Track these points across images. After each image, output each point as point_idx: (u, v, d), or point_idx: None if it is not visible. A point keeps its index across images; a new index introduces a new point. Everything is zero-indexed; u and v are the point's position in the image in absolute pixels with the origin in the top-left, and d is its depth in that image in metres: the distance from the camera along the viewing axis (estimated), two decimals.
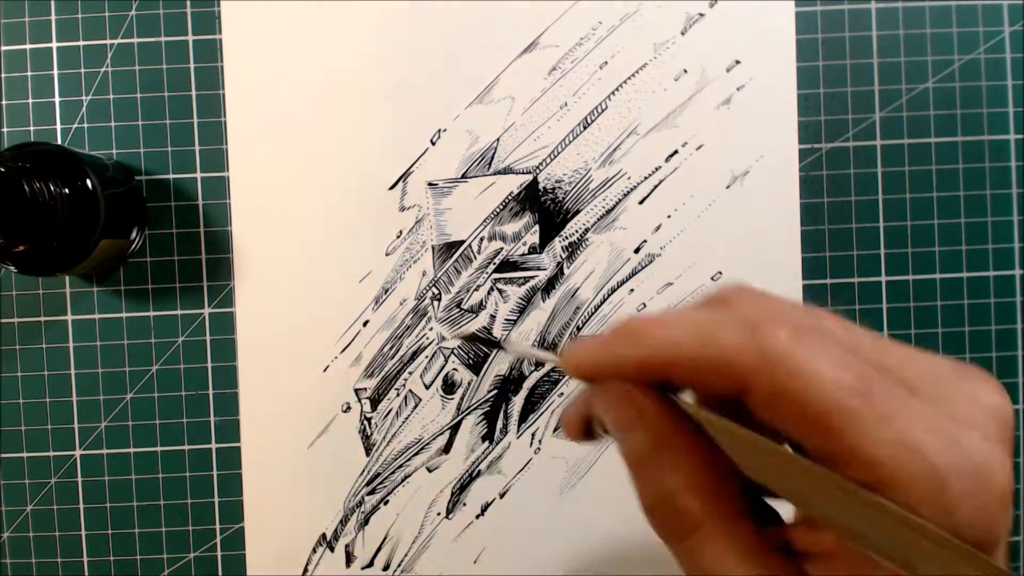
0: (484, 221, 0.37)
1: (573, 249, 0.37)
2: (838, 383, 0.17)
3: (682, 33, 0.37)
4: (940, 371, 0.19)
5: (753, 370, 0.17)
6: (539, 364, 0.37)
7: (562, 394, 0.37)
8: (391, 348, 0.37)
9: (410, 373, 0.37)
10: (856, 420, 0.17)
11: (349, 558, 0.37)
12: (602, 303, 0.37)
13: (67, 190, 0.32)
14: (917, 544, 0.16)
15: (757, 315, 0.18)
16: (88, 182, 0.32)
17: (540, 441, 0.37)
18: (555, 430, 0.37)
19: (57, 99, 0.37)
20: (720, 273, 0.37)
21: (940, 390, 0.18)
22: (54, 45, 0.37)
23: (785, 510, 0.20)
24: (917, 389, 0.18)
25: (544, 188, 0.37)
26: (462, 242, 0.37)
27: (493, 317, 0.37)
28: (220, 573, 0.37)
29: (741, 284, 0.21)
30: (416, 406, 0.37)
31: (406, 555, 0.37)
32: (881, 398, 0.17)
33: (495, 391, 0.37)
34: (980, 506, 0.17)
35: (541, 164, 0.37)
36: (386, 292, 0.37)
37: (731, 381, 0.18)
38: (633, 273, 0.37)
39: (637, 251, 0.37)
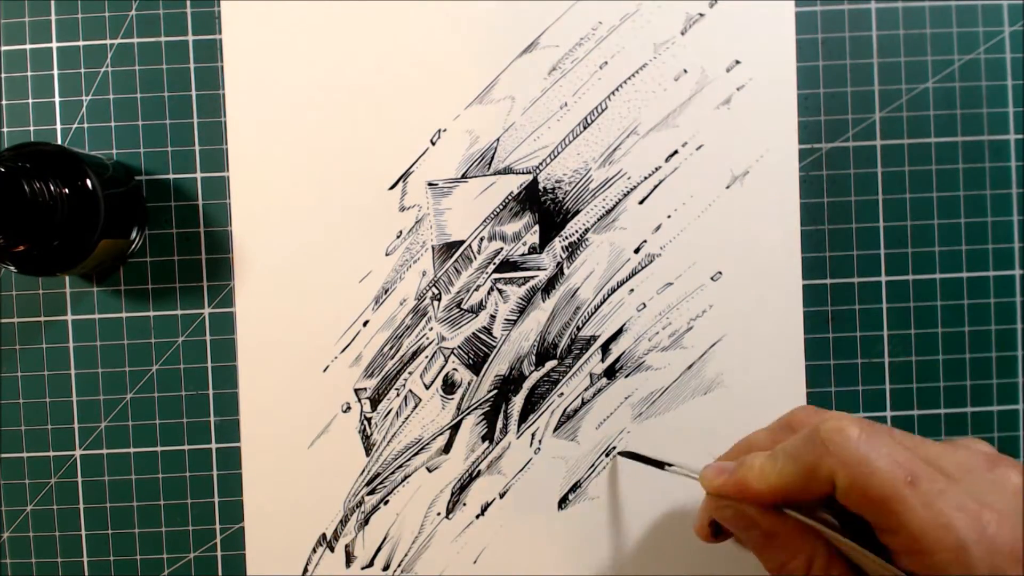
0: (484, 221, 0.37)
1: (573, 249, 0.37)
2: (895, 475, 0.24)
3: (682, 33, 0.37)
4: (973, 463, 0.25)
5: (832, 473, 0.25)
6: (541, 364, 0.37)
7: (561, 394, 0.37)
8: (391, 348, 0.37)
9: (410, 373, 0.37)
10: (906, 503, 0.24)
11: (349, 558, 0.37)
12: (602, 303, 0.37)
13: (67, 190, 0.32)
14: None
15: (824, 425, 0.26)
16: (88, 182, 0.32)
17: (540, 441, 0.37)
18: (556, 430, 0.37)
19: (57, 99, 0.37)
20: (720, 273, 0.37)
21: (972, 477, 0.25)
22: (54, 45, 0.37)
23: None
24: (953, 477, 0.24)
25: (544, 188, 0.37)
26: (462, 242, 0.37)
27: (493, 317, 0.37)
28: (220, 573, 0.37)
29: (802, 407, 0.31)
30: (416, 406, 0.37)
31: (406, 555, 0.37)
32: (925, 485, 0.24)
33: (495, 391, 0.37)
34: (992, 564, 0.23)
35: (541, 164, 0.37)
36: (386, 292, 0.37)
37: (821, 487, 0.25)
38: (633, 273, 0.37)
39: (637, 251, 0.37)
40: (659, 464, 0.35)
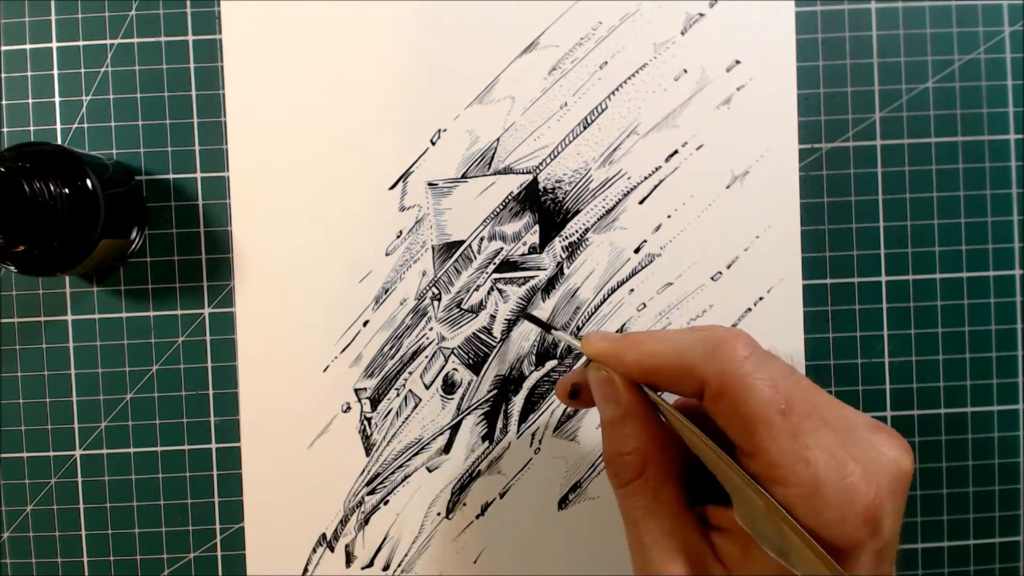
0: (484, 221, 0.37)
1: (573, 249, 0.37)
2: (768, 400, 0.23)
3: (682, 33, 0.37)
4: (856, 421, 0.25)
5: (707, 380, 0.24)
6: (541, 364, 0.37)
7: None
8: (391, 348, 0.37)
9: (410, 373, 0.37)
10: (773, 428, 0.23)
11: (349, 558, 0.37)
12: (602, 303, 0.37)
13: (67, 190, 0.32)
14: (788, 537, 0.22)
15: (721, 334, 0.25)
16: (88, 182, 0.32)
17: (540, 441, 0.37)
18: (555, 430, 0.37)
19: (57, 99, 0.37)
20: (720, 273, 0.37)
21: (850, 432, 0.24)
22: (54, 45, 0.37)
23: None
24: (830, 424, 0.24)
25: (544, 188, 0.37)
26: (462, 242, 0.37)
27: (493, 317, 0.37)
28: (220, 573, 0.37)
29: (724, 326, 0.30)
30: (416, 406, 0.37)
31: (406, 555, 0.37)
32: (797, 419, 0.23)
33: (495, 391, 0.37)
34: (842, 517, 0.22)
35: (541, 164, 0.37)
36: (386, 292, 0.37)
37: (693, 386, 0.25)
38: (633, 273, 0.37)
39: (637, 251, 0.37)
40: (547, 327, 0.36)
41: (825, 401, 0.25)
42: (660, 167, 0.37)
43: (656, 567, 0.25)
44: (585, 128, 0.37)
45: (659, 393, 0.27)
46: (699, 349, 0.25)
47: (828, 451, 0.23)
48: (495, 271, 0.37)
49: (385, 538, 0.37)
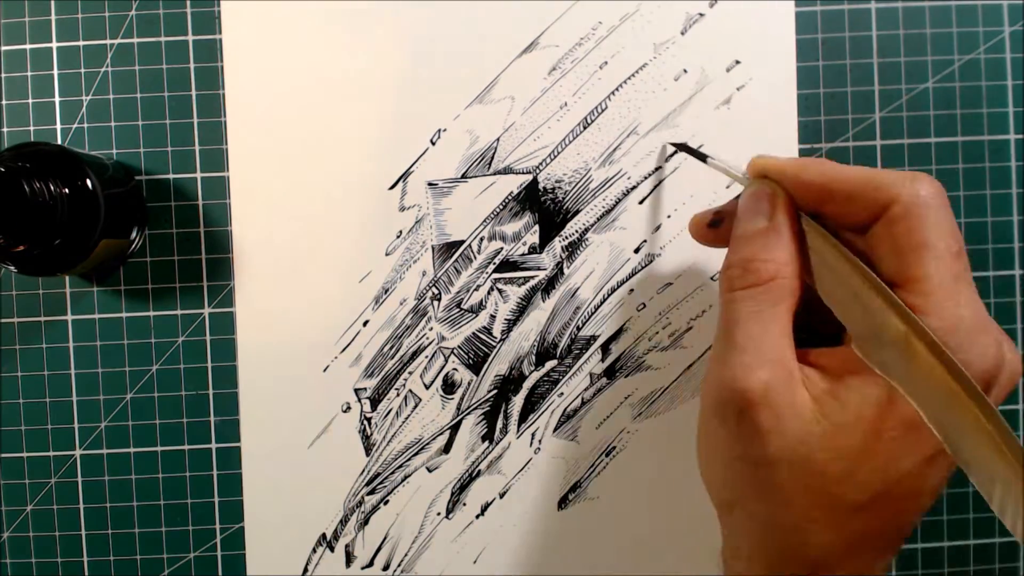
0: (484, 221, 0.37)
1: (573, 249, 0.37)
2: (949, 234, 0.24)
3: (682, 33, 0.37)
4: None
5: (896, 200, 0.24)
6: (540, 364, 0.37)
7: (561, 394, 0.37)
8: (391, 348, 0.37)
9: (410, 373, 0.37)
10: (940, 264, 0.24)
11: (349, 558, 0.37)
12: (602, 303, 0.37)
13: (67, 190, 0.32)
14: (916, 365, 0.23)
15: (919, 174, 0.25)
16: (88, 182, 0.32)
17: (540, 441, 0.37)
18: (555, 430, 0.37)
19: (57, 99, 0.37)
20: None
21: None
22: (54, 45, 0.37)
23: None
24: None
25: (544, 188, 0.37)
26: (462, 242, 0.37)
27: (493, 317, 0.37)
28: (220, 573, 0.37)
29: None
30: (416, 406, 0.37)
31: (406, 555, 0.37)
32: (962, 266, 0.24)
33: (495, 391, 0.37)
34: (968, 360, 0.23)
35: (541, 164, 0.37)
36: (386, 292, 0.37)
37: (873, 208, 0.25)
38: (633, 273, 0.37)
39: (637, 251, 0.37)
40: (702, 156, 0.34)
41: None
42: (660, 167, 0.37)
43: (742, 370, 0.25)
44: (585, 128, 0.37)
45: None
46: (893, 175, 0.25)
47: (976, 304, 0.24)
48: (495, 271, 0.37)
49: (385, 538, 0.37)
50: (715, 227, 0.30)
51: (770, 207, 0.27)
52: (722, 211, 0.30)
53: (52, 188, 0.31)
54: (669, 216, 0.37)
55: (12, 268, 0.32)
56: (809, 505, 0.24)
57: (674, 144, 0.37)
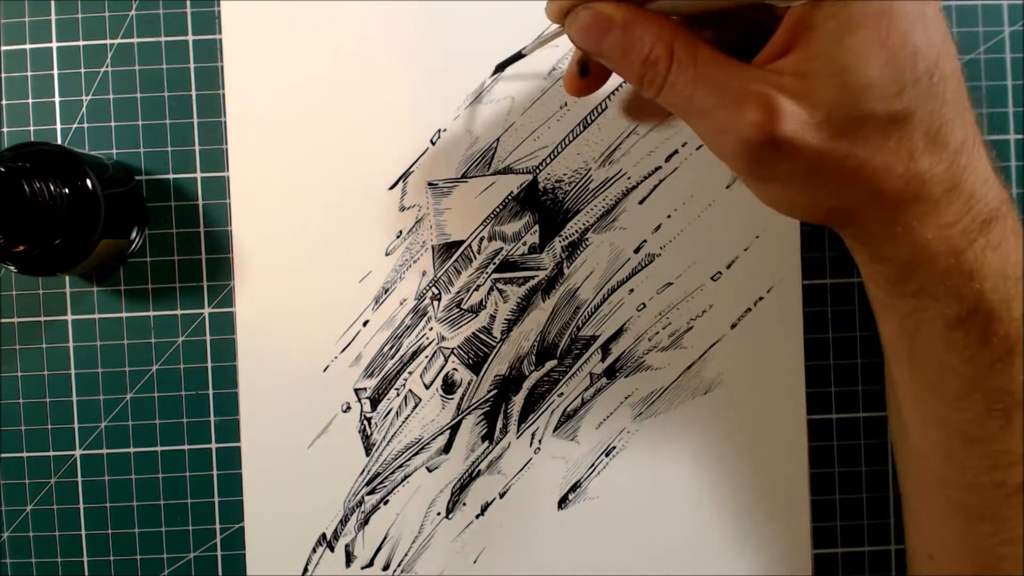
0: (484, 221, 0.37)
1: (573, 249, 0.37)
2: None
3: None
4: None
5: None
6: (540, 364, 0.37)
7: (561, 394, 0.37)
8: (391, 348, 0.37)
9: (410, 373, 0.37)
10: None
11: (349, 558, 0.37)
12: (602, 303, 0.37)
13: (67, 190, 0.32)
14: None
15: None
16: (88, 182, 0.32)
17: (540, 441, 0.37)
18: (555, 430, 0.37)
19: (57, 99, 0.37)
20: (720, 273, 0.37)
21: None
22: (54, 45, 0.37)
23: None
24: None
25: (544, 188, 0.37)
26: (462, 242, 0.37)
27: (493, 317, 0.37)
28: (220, 573, 0.37)
29: None
30: (416, 406, 0.37)
31: (406, 555, 0.37)
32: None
33: (495, 391, 0.37)
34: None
35: (541, 164, 0.37)
36: (386, 292, 0.37)
37: None
38: (633, 273, 0.37)
39: (637, 251, 0.37)
40: (518, 55, 0.35)
41: None
42: (660, 167, 0.37)
43: (728, 121, 0.25)
44: (585, 128, 0.37)
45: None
46: None
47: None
48: (495, 271, 0.37)
49: (385, 538, 0.37)
50: (586, 74, 0.30)
51: (606, 19, 0.26)
52: (580, 59, 0.30)
53: (52, 188, 0.31)
54: (669, 216, 0.37)
55: (12, 268, 0.32)
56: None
57: (495, 69, 0.37)
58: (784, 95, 0.24)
